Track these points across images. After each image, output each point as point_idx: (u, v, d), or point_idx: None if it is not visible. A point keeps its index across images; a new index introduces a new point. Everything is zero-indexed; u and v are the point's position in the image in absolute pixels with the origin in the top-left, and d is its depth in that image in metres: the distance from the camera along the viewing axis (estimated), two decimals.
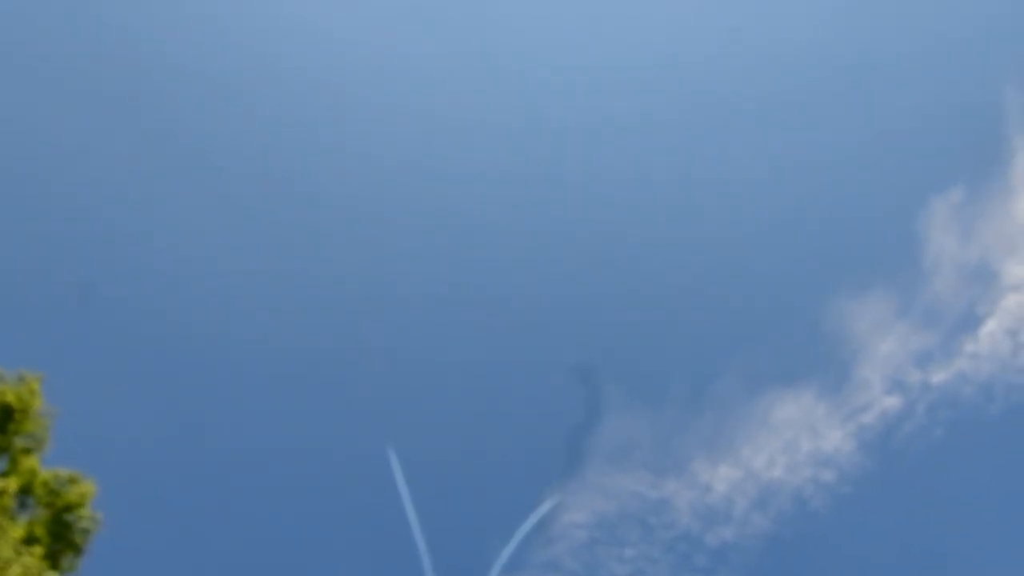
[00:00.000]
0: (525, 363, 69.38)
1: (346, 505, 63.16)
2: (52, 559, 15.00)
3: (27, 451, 15.56)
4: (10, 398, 15.38)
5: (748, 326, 71.88)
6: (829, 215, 68.39)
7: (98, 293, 60.23)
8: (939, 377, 65.50)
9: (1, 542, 12.10)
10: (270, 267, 66.36)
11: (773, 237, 69.28)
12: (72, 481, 15.77)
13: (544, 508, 57.71)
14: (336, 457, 64.42)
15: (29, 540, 14.18)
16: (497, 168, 68.83)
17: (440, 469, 64.48)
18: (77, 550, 15.49)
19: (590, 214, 70.19)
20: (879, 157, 67.93)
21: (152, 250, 63.84)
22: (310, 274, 65.50)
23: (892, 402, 66.78)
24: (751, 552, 63.45)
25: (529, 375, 69.58)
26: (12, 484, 13.18)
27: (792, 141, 69.11)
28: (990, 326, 63.09)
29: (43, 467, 15.96)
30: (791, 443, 67.19)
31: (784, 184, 69.54)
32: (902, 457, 63.01)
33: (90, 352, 60.67)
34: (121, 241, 63.72)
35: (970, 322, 64.32)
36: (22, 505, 14.84)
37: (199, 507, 59.82)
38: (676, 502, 63.33)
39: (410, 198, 67.47)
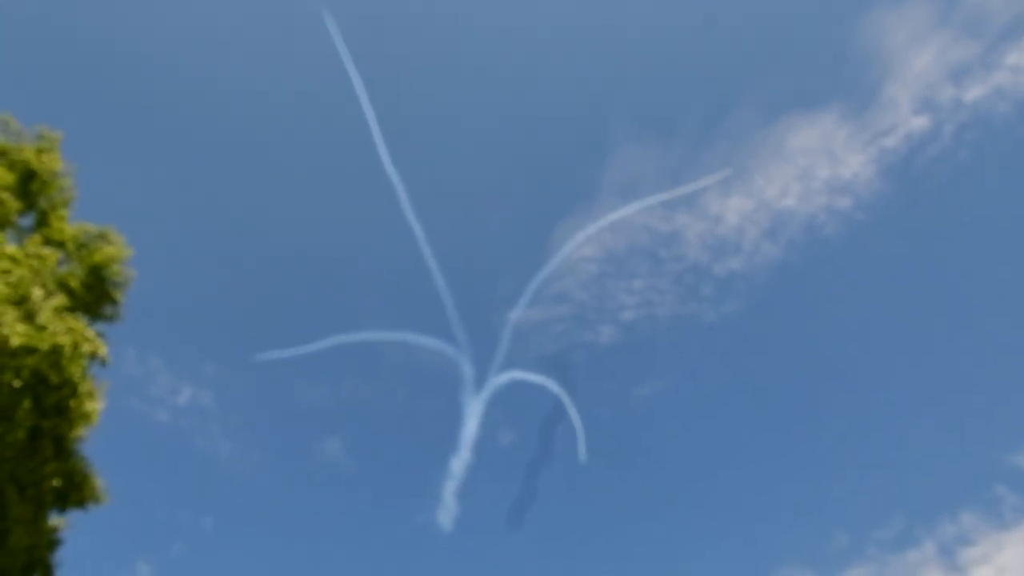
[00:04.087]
0: (535, 99, 67.18)
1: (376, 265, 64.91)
2: (91, 310, 16.10)
3: (54, 208, 15.94)
4: (29, 157, 15.37)
5: (767, 46, 66.83)
6: None
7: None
8: (974, 93, 60.52)
9: (44, 309, 12.89)
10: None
11: None
12: (102, 237, 16.35)
13: (714, 178, 56.86)
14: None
15: (67, 294, 15.10)
16: None
17: (456, 210, 65.77)
18: (114, 301, 16.51)
19: None
20: None
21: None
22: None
23: (919, 123, 63.10)
24: (759, 281, 66.39)
25: (539, 111, 67.63)
26: (53, 255, 13.72)
27: None
28: None
29: (71, 223, 16.48)
30: (807, 171, 66.07)
31: None
32: (923, 182, 60.97)
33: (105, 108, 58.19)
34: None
35: (1018, 28, 57.88)
36: (58, 262, 15.55)
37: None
38: (686, 234, 64.82)
39: None
